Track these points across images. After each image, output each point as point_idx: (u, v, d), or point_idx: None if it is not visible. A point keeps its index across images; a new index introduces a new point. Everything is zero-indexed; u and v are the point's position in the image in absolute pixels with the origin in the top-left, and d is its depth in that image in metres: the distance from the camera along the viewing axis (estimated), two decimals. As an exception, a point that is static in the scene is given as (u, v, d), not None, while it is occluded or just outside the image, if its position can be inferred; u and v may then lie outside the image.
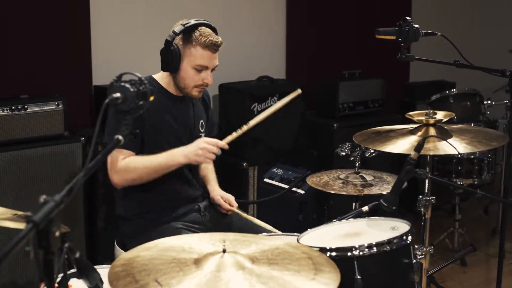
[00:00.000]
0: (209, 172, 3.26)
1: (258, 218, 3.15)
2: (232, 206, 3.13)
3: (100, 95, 4.31)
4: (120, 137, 1.80)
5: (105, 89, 4.19)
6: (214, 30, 2.92)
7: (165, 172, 2.83)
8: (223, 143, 2.81)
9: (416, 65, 6.31)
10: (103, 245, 4.11)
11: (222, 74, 4.01)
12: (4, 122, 3.78)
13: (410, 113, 2.88)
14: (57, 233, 1.50)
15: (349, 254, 2.27)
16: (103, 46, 4.46)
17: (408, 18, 2.81)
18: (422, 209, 2.74)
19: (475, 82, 5.65)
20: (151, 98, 1.89)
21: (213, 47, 2.85)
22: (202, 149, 2.76)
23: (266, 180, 3.87)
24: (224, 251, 1.96)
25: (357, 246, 2.30)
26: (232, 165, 4.50)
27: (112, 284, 1.86)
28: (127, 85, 1.81)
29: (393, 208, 2.37)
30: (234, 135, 2.85)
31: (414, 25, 2.80)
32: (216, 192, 3.19)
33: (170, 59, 2.84)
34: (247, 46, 5.14)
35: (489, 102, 5.03)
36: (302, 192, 3.67)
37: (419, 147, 2.32)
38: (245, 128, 2.86)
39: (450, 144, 2.44)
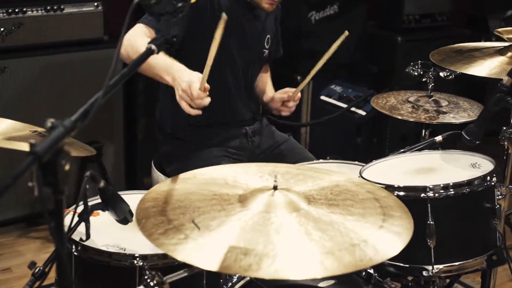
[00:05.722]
0: (267, 87, 2.90)
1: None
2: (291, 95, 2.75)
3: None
4: (154, 47, 1.47)
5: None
6: None
7: (152, 76, 2.27)
8: (200, 95, 2.10)
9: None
10: (141, 162, 3.85)
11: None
12: (38, 24, 3.46)
13: (499, 29, 2.48)
14: (67, 167, 1.18)
15: (422, 195, 1.93)
16: None
17: None
18: (506, 142, 2.35)
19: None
20: (193, 0, 1.54)
21: None
22: (184, 91, 2.13)
23: (322, 98, 3.47)
24: (275, 188, 1.64)
25: (431, 186, 1.97)
26: (284, 78, 4.10)
27: (140, 223, 1.55)
28: (163, -18, 1.46)
29: (477, 142, 2.02)
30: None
31: None
32: (271, 95, 2.81)
33: None
34: None
35: None
36: (363, 113, 3.29)
37: (514, 71, 1.94)
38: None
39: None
